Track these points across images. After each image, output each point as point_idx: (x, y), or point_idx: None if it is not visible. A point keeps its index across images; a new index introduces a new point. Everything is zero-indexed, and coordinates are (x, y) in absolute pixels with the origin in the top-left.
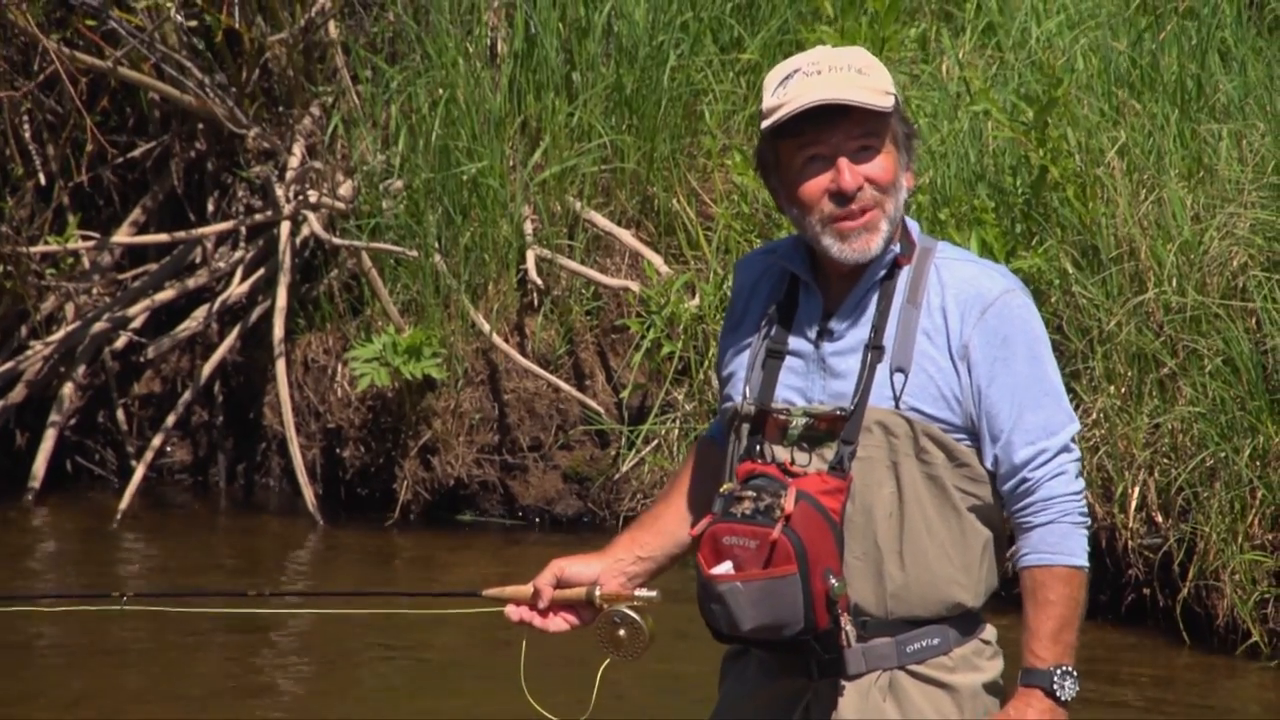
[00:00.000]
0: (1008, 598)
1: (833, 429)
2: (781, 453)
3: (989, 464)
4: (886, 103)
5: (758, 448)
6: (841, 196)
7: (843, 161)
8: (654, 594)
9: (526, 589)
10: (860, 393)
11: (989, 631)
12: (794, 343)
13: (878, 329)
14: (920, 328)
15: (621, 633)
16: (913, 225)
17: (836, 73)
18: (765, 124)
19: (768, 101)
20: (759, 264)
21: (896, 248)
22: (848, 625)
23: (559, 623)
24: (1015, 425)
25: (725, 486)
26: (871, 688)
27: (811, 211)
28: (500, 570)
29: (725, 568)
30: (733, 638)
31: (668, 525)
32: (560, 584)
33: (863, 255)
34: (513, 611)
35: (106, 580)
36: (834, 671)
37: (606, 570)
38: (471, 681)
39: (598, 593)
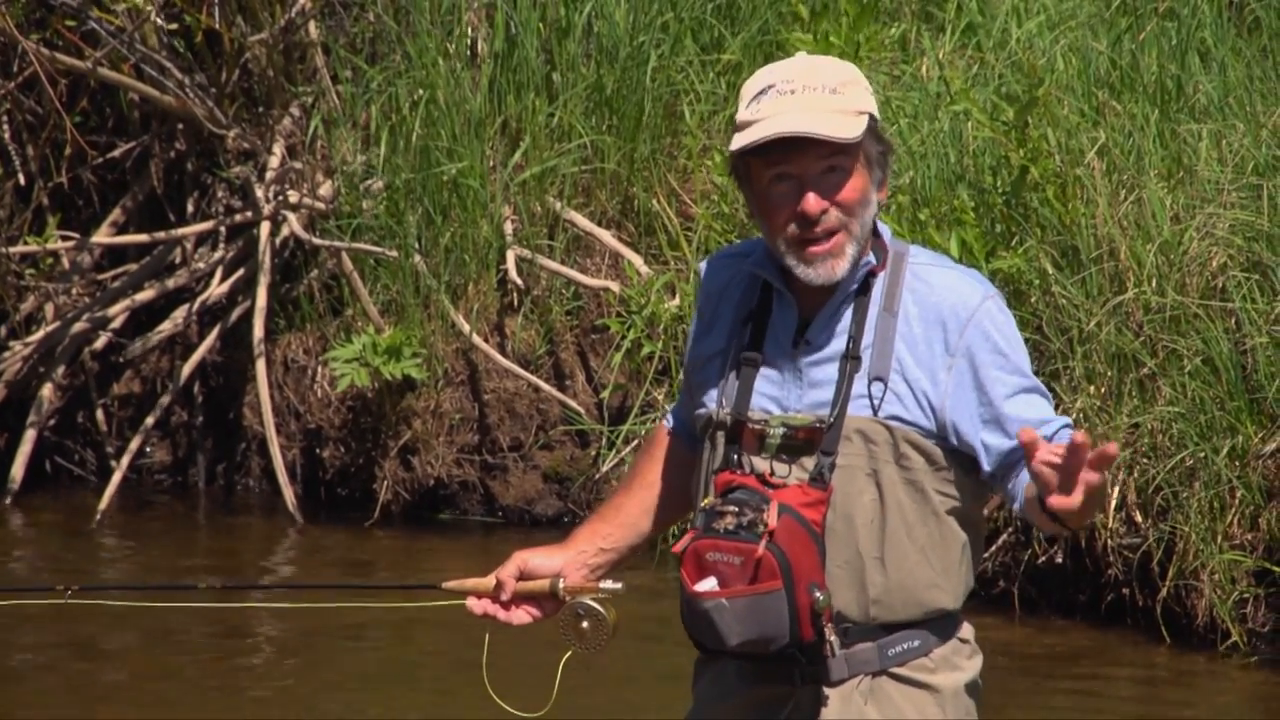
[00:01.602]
0: (986, 598)
1: (812, 439)
2: (760, 463)
3: (988, 465)
4: (857, 128)
5: (735, 458)
6: (805, 220)
7: (808, 189)
8: (619, 586)
9: (488, 581)
10: (839, 404)
11: (967, 630)
12: (769, 351)
13: (855, 339)
14: (898, 334)
15: (585, 625)
16: (884, 230)
17: (810, 93)
18: (735, 145)
19: (741, 114)
20: (729, 267)
21: (871, 258)
22: (832, 636)
23: (522, 615)
24: (1017, 423)
25: (706, 501)
26: (854, 692)
27: (778, 231)
28: (480, 570)
29: (709, 584)
30: (718, 652)
31: (629, 516)
32: (523, 576)
33: (828, 279)
34: (475, 604)
35: (86, 581)
36: (817, 678)
37: (569, 562)
38: (437, 675)
39: (561, 585)
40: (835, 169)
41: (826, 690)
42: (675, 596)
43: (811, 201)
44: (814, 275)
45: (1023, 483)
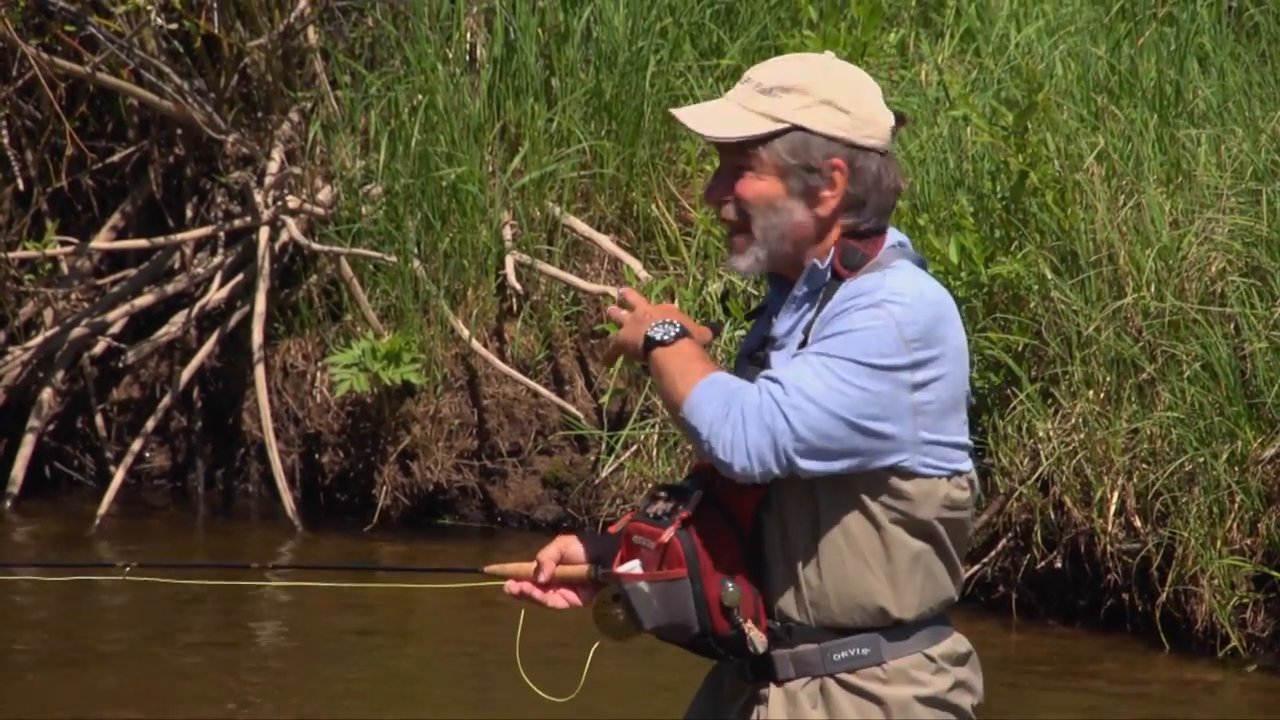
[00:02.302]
0: (985, 603)
1: None
2: None
3: None
4: (743, 129)
5: None
6: (711, 206)
7: (711, 180)
8: None
9: (530, 566)
10: None
11: (941, 647)
12: (759, 346)
13: (805, 341)
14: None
15: (618, 610)
16: (890, 240)
17: (745, 87)
18: None
19: None
20: None
21: (820, 263)
22: (753, 632)
23: (558, 599)
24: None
25: (654, 485)
26: (800, 693)
27: None
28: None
29: (631, 566)
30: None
31: None
32: (564, 560)
33: (739, 271)
34: (512, 585)
35: (85, 583)
36: (765, 675)
37: (612, 551)
38: (461, 666)
39: (600, 569)
40: (740, 167)
41: (775, 687)
42: None
43: (707, 190)
44: (730, 264)
45: None
